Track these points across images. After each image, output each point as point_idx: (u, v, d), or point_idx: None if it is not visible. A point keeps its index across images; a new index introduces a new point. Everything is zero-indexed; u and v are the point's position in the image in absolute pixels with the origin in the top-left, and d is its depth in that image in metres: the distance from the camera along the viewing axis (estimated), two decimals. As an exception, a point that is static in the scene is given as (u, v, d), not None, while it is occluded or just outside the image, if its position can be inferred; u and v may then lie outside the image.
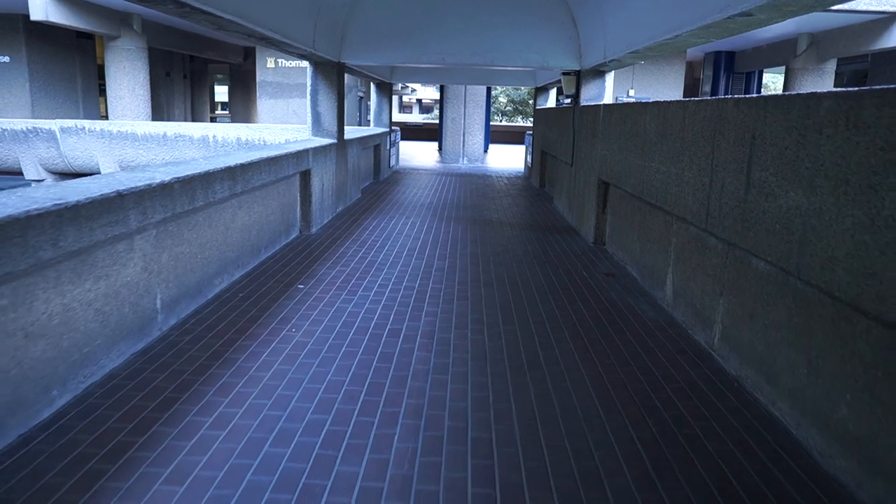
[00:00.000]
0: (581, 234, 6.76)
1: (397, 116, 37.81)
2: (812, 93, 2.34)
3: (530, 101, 33.84)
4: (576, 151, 7.29)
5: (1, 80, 16.03)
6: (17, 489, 2.04)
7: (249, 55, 21.93)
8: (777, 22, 3.28)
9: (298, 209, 6.19)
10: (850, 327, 2.16)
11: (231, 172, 4.15)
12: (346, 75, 14.22)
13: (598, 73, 7.04)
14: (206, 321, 3.64)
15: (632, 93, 16.62)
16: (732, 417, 2.69)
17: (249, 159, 4.51)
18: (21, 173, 13.78)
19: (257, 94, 17.84)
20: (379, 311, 3.97)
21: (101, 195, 2.70)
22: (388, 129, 12.63)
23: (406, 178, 12.07)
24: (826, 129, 2.26)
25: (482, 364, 3.19)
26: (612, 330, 3.76)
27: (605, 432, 2.54)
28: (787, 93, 2.58)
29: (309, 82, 7.30)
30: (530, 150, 12.97)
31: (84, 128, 13.33)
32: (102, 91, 17.29)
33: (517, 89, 36.52)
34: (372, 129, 11.81)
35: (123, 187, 2.91)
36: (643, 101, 4.89)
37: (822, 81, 15.02)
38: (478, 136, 16.25)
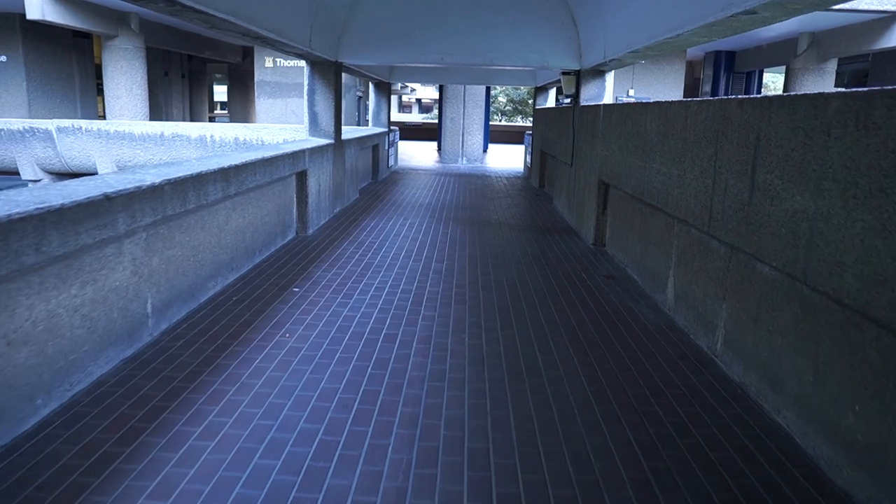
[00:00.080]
0: (581, 235, 6.68)
1: (397, 116, 37.73)
2: (820, 93, 2.27)
3: (530, 101, 33.77)
4: (576, 152, 7.21)
5: (-2, 80, 15.95)
6: (-5, 504, 1.97)
7: (248, 55, 21.84)
8: (781, 20, 3.21)
9: (295, 210, 6.11)
10: (859, 335, 2.09)
11: (224, 174, 4.07)
12: (344, 75, 14.15)
13: (598, 72, 6.97)
14: (198, 326, 3.56)
15: (632, 93, 16.54)
16: (735, 425, 2.62)
17: (243, 160, 4.43)
18: (17, 173, 13.71)
19: (255, 93, 17.75)
20: (375, 315, 3.89)
21: (88, 198, 2.62)
22: (386, 129, 12.55)
23: (405, 179, 12.00)
24: (834, 130, 2.19)
25: (480, 370, 3.12)
26: (612, 334, 3.69)
27: (605, 440, 2.47)
28: (793, 93, 2.51)
29: (306, 82, 7.22)
30: (530, 150, 12.89)
31: (81, 128, 13.24)
32: (100, 91, 17.20)
33: (517, 89, 36.44)
34: (370, 129, 11.74)
35: (111, 190, 2.84)
36: (643, 101, 4.81)
37: (822, 81, 14.95)
38: (477, 136, 16.17)
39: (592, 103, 6.74)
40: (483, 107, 16.26)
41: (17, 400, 2.35)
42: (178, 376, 2.91)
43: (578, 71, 7.09)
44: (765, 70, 18.82)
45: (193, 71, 23.04)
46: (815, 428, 2.35)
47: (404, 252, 5.62)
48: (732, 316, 3.10)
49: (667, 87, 16.62)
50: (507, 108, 39.67)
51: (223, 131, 13.25)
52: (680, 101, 3.84)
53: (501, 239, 6.40)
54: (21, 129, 13.36)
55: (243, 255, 4.70)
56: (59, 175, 13.66)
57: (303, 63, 7.18)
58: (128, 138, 13.19)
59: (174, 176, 3.42)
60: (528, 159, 13.08)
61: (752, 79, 18.52)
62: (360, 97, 19.89)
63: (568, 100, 7.67)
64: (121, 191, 2.88)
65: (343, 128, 10.09)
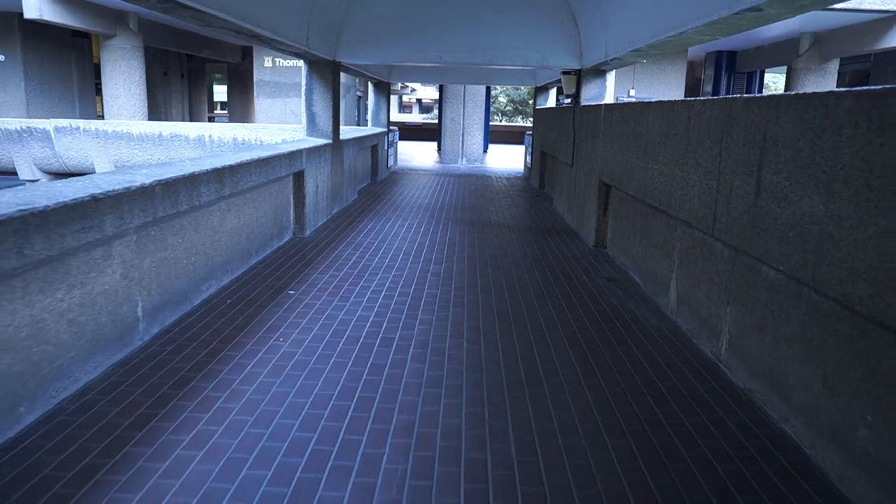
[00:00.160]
0: (581, 236, 6.60)
1: (397, 116, 37.65)
2: (830, 91, 2.19)
3: (530, 101, 33.68)
4: (576, 152, 7.13)
5: (-4, 80, 15.88)
6: (-28, 519, 1.89)
7: (248, 55, 21.76)
8: (787, 17, 3.13)
9: (292, 211, 6.04)
10: (871, 343, 2.01)
11: (218, 174, 3.99)
12: (343, 74, 14.05)
13: (599, 72, 6.89)
14: (191, 330, 3.48)
15: (632, 92, 16.46)
16: (742, 435, 2.53)
17: (238, 161, 4.35)
18: (15, 173, 13.63)
19: (255, 93, 17.68)
20: (371, 318, 3.81)
21: (74, 199, 2.54)
22: (385, 129, 12.47)
23: (404, 179, 11.92)
24: (846, 130, 2.11)
25: (478, 376, 3.03)
26: (614, 338, 3.60)
27: (608, 451, 2.39)
28: (802, 92, 2.42)
29: (303, 81, 7.15)
30: (530, 150, 12.81)
31: (79, 127, 13.17)
32: (99, 90, 17.13)
33: (517, 89, 36.37)
34: (369, 129, 11.65)
35: (99, 191, 2.76)
36: (644, 100, 4.73)
37: (824, 81, 14.86)
38: (477, 137, 16.09)
39: (593, 103, 6.66)
40: (483, 107, 16.17)
41: (-2, 408, 2.27)
42: (168, 382, 2.83)
43: (579, 70, 7.01)
44: (766, 70, 18.74)
45: (192, 71, 22.97)
46: (825, 439, 2.27)
47: (402, 254, 5.54)
48: (737, 321, 3.02)
49: (668, 88, 16.54)
50: (508, 108, 39.59)
51: (222, 131, 13.17)
52: (683, 101, 3.76)
53: (501, 240, 6.32)
54: (19, 128, 13.28)
55: (238, 257, 4.62)
56: (58, 175, 13.59)
57: (302, 63, 7.09)
58: (126, 138, 13.12)
59: (165, 177, 3.34)
60: (529, 160, 13.00)
61: (754, 79, 18.43)
62: (360, 97, 19.81)
63: (568, 100, 7.59)
64: (109, 192, 2.80)
65: (342, 128, 10.01)
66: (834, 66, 14.95)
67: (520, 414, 2.66)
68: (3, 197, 2.40)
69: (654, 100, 4.51)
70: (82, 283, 2.74)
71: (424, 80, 15.90)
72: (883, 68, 15.65)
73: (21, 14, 13.60)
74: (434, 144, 22.71)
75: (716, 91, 18.13)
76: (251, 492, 2.07)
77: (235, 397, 2.72)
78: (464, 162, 16.05)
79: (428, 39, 7.05)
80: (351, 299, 4.17)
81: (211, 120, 24.97)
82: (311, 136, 7.27)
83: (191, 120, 22.23)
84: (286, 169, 5.52)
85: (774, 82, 30.61)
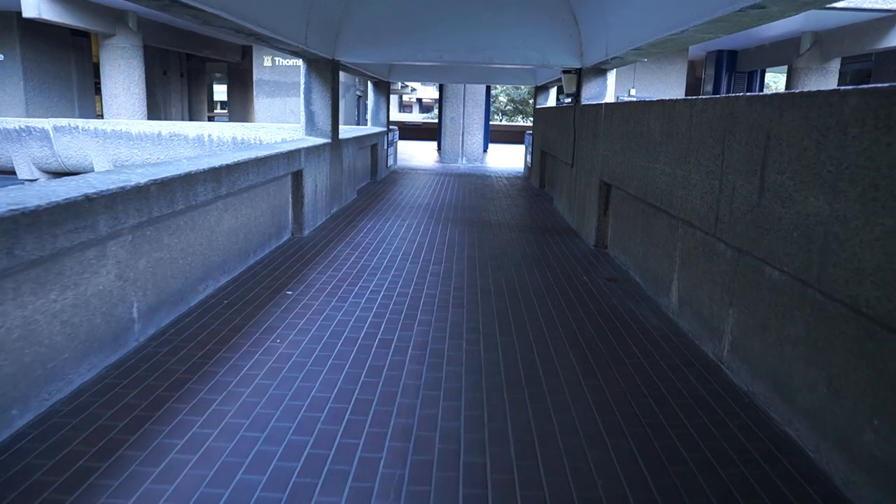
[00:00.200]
0: (582, 236, 6.57)
1: (398, 116, 37.61)
2: (835, 89, 2.15)
3: (530, 101, 33.64)
4: (576, 151, 7.09)
5: (-5, 79, 15.83)
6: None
7: (247, 54, 21.72)
8: (791, 15, 3.09)
9: (290, 211, 6.00)
10: (878, 345, 1.97)
11: (215, 174, 3.96)
12: (342, 74, 14.01)
13: (600, 71, 6.85)
14: (187, 330, 3.45)
15: (633, 92, 16.41)
16: (745, 437, 2.50)
17: (235, 160, 4.31)
18: (14, 173, 13.60)
19: (254, 93, 17.64)
20: (370, 319, 3.78)
21: (67, 199, 2.51)
22: (385, 129, 12.43)
23: (404, 179, 11.88)
24: (852, 128, 2.07)
25: (477, 378, 3.00)
26: (615, 339, 3.57)
27: (608, 454, 2.35)
28: (806, 90, 2.39)
29: (302, 80, 7.11)
30: (530, 150, 12.77)
31: (77, 127, 13.13)
32: (98, 90, 17.08)
33: (517, 88, 36.32)
34: (368, 129, 11.62)
35: (93, 190, 2.72)
36: (645, 100, 4.69)
37: (825, 81, 14.81)
38: (477, 136, 16.05)
39: (594, 102, 6.62)
40: (483, 106, 16.13)
41: (-11, 411, 2.24)
42: (163, 384, 2.80)
43: (579, 69, 6.97)
44: (767, 70, 18.68)
45: (192, 70, 22.93)
46: (830, 443, 2.23)
47: (401, 254, 5.51)
48: (739, 322, 2.98)
49: (668, 87, 16.49)
50: (508, 107, 39.54)
51: (221, 131, 13.14)
52: (685, 100, 3.72)
53: (501, 240, 6.28)
54: (17, 128, 13.25)
55: (236, 257, 4.58)
56: (57, 174, 13.55)
57: (301, 62, 7.05)
58: (125, 137, 13.08)
59: (161, 176, 3.31)
60: (529, 159, 12.96)
61: (754, 78, 18.38)
62: (360, 96, 19.77)
63: (569, 99, 7.55)
64: (103, 191, 2.76)
65: (341, 127, 9.97)
66: (835, 65, 14.90)
67: (519, 416, 2.63)
68: (-6, 196, 2.36)
69: (654, 99, 4.47)
70: (76, 284, 2.70)
71: (424, 80, 15.86)
72: (884, 68, 15.60)
73: (20, 13, 13.56)
74: (434, 144, 22.66)
75: (716, 91, 18.09)
76: (245, 498, 2.03)
77: (231, 400, 2.68)
78: (464, 161, 16.01)
79: (428, 38, 7.01)
80: (349, 300, 4.13)
81: (210, 119, 24.93)
82: (309, 135, 7.23)
83: (190, 119, 22.19)
84: (284, 168, 5.48)
85: (775, 82, 30.54)
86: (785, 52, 15.64)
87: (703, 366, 3.22)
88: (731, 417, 2.67)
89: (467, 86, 15.60)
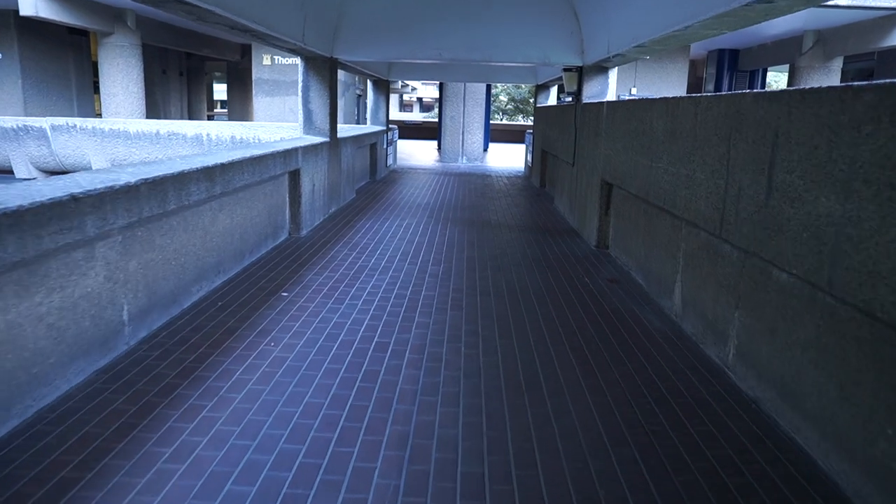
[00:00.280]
0: (583, 236, 6.48)
1: (398, 115, 37.52)
2: (848, 85, 2.06)
3: (531, 100, 33.54)
4: (578, 151, 7.01)
5: (-8, 77, 15.75)
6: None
7: (247, 53, 21.62)
8: (799, 10, 3.01)
9: (287, 211, 5.92)
10: (893, 351, 1.89)
11: (209, 173, 3.87)
12: (342, 72, 13.91)
13: (601, 69, 6.76)
14: (179, 333, 3.37)
15: (634, 91, 16.31)
16: (751, 445, 2.41)
17: (230, 159, 4.23)
18: (11, 172, 13.52)
19: (253, 91, 17.55)
20: (366, 321, 3.70)
21: (52, 199, 2.43)
22: (385, 128, 12.35)
23: (403, 178, 11.80)
24: (865, 126, 1.99)
25: (476, 382, 2.92)
26: (617, 342, 3.48)
27: (611, 462, 2.27)
28: (817, 86, 2.30)
29: (300, 78, 7.02)
30: (531, 149, 12.69)
31: (75, 126, 13.06)
32: (97, 88, 17.00)
33: (518, 87, 36.22)
34: (368, 128, 11.53)
35: (80, 190, 2.64)
36: (648, 98, 4.61)
37: (828, 80, 14.71)
38: (477, 135, 15.96)
39: (595, 101, 6.53)
40: (483, 105, 16.04)
41: (-31, 419, 2.16)
42: (153, 390, 2.72)
43: (580, 67, 6.89)
44: (768, 69, 18.58)
45: (192, 69, 22.84)
46: (841, 452, 2.15)
47: (400, 254, 5.42)
48: (745, 325, 2.90)
49: (669, 86, 16.39)
50: (509, 106, 39.43)
51: (219, 130, 13.06)
52: (689, 97, 3.63)
53: (501, 240, 6.20)
54: (15, 126, 13.17)
55: (231, 258, 4.50)
56: (55, 174, 13.47)
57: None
58: (123, 136, 13.01)
59: (152, 175, 3.23)
60: (529, 158, 12.88)
61: (756, 77, 18.29)
62: (360, 95, 19.67)
63: (570, 98, 7.47)
64: (90, 191, 2.68)
65: (340, 126, 9.89)
66: (837, 64, 14.80)
67: (519, 423, 2.55)
68: (-25, 196, 2.29)
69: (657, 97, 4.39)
70: (62, 287, 2.62)
71: (424, 78, 15.79)
72: (887, 67, 15.50)
73: (17, 11, 13.48)
74: (434, 143, 22.58)
75: (718, 90, 17.99)
76: (234, 509, 1.95)
77: (222, 406, 2.60)
78: (464, 161, 15.92)
79: (427, 36, 6.93)
80: (346, 301, 4.05)
81: (210, 118, 24.85)
82: (307, 134, 7.15)
83: (190, 118, 22.10)
84: (281, 167, 5.40)
85: (776, 81, 30.43)
86: (787, 50, 15.54)
87: (707, 370, 3.13)
88: (738, 424, 2.59)
89: (467, 85, 15.51)
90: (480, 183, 11.40)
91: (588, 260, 5.47)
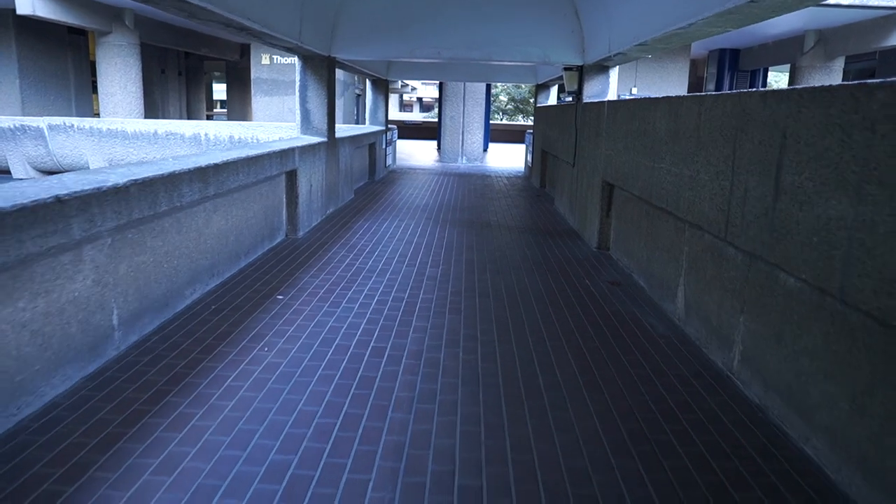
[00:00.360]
0: (584, 238, 6.40)
1: (398, 115, 37.44)
2: (862, 83, 1.98)
3: (531, 100, 33.45)
4: (578, 151, 6.93)
5: (-10, 77, 15.67)
6: None
7: (246, 52, 21.53)
8: (806, 6, 2.93)
9: (284, 211, 5.84)
10: (909, 363, 1.81)
11: (202, 173, 3.79)
12: (341, 71, 13.82)
13: (602, 68, 6.68)
14: (171, 338, 3.29)
15: (635, 91, 16.23)
16: (759, 456, 2.33)
17: (224, 159, 4.15)
18: (8, 172, 13.44)
19: (252, 91, 17.47)
20: (363, 326, 3.61)
21: (34, 201, 2.35)
22: (384, 128, 12.27)
23: (402, 178, 11.71)
24: (880, 126, 1.91)
25: (474, 390, 2.84)
26: (619, 348, 3.40)
27: (615, 476, 2.19)
28: (828, 84, 2.22)
29: (297, 78, 6.94)
30: (531, 149, 12.61)
31: (73, 125, 12.97)
32: (96, 88, 16.91)
33: (518, 87, 36.13)
34: (366, 128, 11.45)
35: (65, 191, 2.56)
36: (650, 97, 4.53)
37: (829, 80, 14.62)
38: (477, 135, 15.88)
39: (596, 100, 6.45)
40: (483, 105, 15.96)
41: (-53, 430, 2.08)
42: (142, 397, 2.64)
43: (581, 66, 6.81)
44: (769, 69, 18.50)
45: (191, 68, 22.75)
46: (853, 465, 2.07)
47: (398, 256, 5.34)
48: (751, 331, 2.82)
49: (670, 86, 16.31)
50: (509, 106, 39.34)
51: (218, 129, 12.97)
52: (693, 96, 3.55)
53: (500, 242, 6.12)
54: (11, 126, 13.09)
55: (226, 260, 4.42)
56: (52, 174, 13.38)
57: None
58: (120, 136, 12.92)
59: (142, 176, 3.14)
60: (529, 159, 12.79)
61: (757, 77, 18.21)
62: (359, 95, 19.59)
63: (570, 97, 7.39)
64: (76, 192, 2.60)
65: (338, 126, 9.81)
66: (839, 64, 14.72)
67: (518, 433, 2.46)
68: (-46, 198, 2.21)
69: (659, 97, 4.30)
70: (48, 291, 2.54)
71: (423, 77, 15.70)
72: (888, 66, 15.42)
73: (15, 10, 13.39)
74: (434, 143, 22.50)
75: (719, 89, 17.90)
76: (221, 525, 1.87)
77: (212, 414, 2.52)
78: (464, 161, 15.84)
79: (426, 34, 6.85)
80: (342, 305, 3.97)
81: (209, 118, 24.76)
82: (305, 134, 7.06)
83: (189, 118, 22.01)
84: (277, 168, 5.32)
85: (776, 80, 30.36)
86: (788, 50, 15.46)
87: (712, 377, 3.05)
88: (745, 434, 2.51)
89: (467, 84, 15.43)
90: (480, 183, 11.32)
91: (589, 262, 5.39)
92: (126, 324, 3.15)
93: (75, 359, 2.74)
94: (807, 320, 2.36)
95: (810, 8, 11.39)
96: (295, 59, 16.87)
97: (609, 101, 5.64)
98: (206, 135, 12.85)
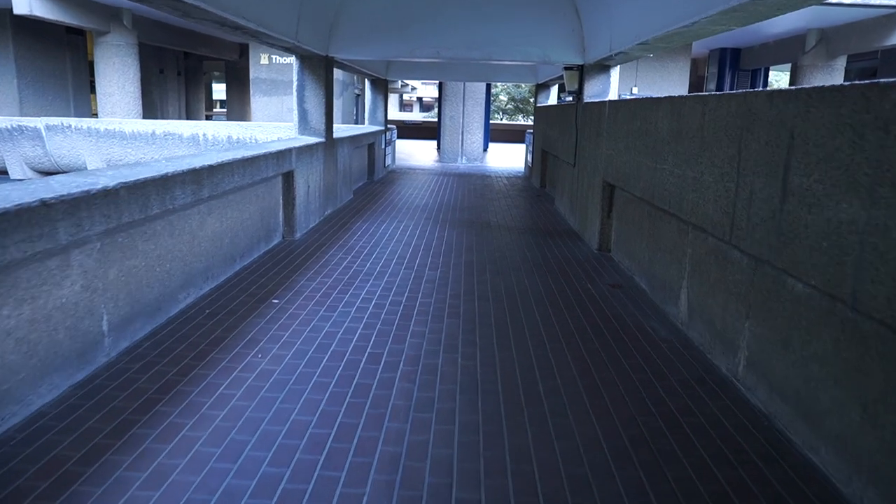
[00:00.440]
0: (584, 239, 6.33)
1: (398, 115, 37.37)
2: (874, 82, 1.91)
3: (531, 100, 33.36)
4: (579, 151, 6.86)
5: (-13, 77, 15.60)
6: None
7: (245, 52, 21.45)
8: (810, 4, 2.85)
9: (281, 213, 5.76)
10: (924, 373, 1.74)
11: (195, 175, 3.72)
12: (340, 71, 13.74)
13: (603, 67, 6.61)
14: (163, 344, 3.21)
15: (635, 90, 16.15)
16: (765, 465, 2.26)
17: (219, 160, 4.08)
18: (5, 173, 13.37)
19: (251, 91, 17.40)
20: (359, 330, 3.54)
21: (18, 205, 2.27)
22: (383, 128, 12.19)
23: (402, 179, 11.64)
24: (894, 126, 1.84)
25: (473, 398, 2.76)
26: (621, 352, 3.33)
27: (617, 487, 2.12)
28: (838, 84, 2.15)
29: (295, 78, 6.87)
30: (531, 149, 12.54)
31: (70, 126, 12.90)
32: (94, 88, 16.84)
33: (518, 86, 36.05)
34: (365, 128, 11.38)
35: (52, 195, 2.49)
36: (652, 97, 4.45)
37: (831, 79, 14.54)
38: (477, 135, 15.80)
39: (597, 100, 6.38)
40: (483, 105, 15.88)
41: (-73, 443, 2.01)
42: (130, 406, 2.57)
43: (582, 66, 6.73)
44: (770, 68, 18.42)
45: (189, 68, 22.69)
46: (864, 477, 1.99)
47: (396, 258, 5.27)
48: (757, 336, 2.75)
49: (671, 85, 16.23)
50: (509, 106, 39.26)
51: (216, 130, 12.90)
52: (696, 96, 3.48)
53: (500, 243, 6.04)
54: (9, 127, 13.02)
55: (221, 263, 4.35)
56: (49, 174, 13.30)
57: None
58: (118, 136, 12.85)
59: (133, 178, 3.07)
60: (529, 159, 12.72)
61: (758, 76, 18.13)
62: (358, 95, 19.52)
63: (570, 97, 7.31)
64: (63, 196, 2.53)
65: (337, 126, 9.74)
66: (841, 63, 14.63)
67: (518, 443, 2.39)
68: (-67, 203, 2.13)
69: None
70: (34, 298, 2.47)
71: (422, 77, 15.63)
72: (890, 65, 15.34)
73: (12, 10, 13.32)
74: (434, 143, 22.42)
75: (720, 89, 17.82)
76: (209, 543, 1.80)
77: (203, 424, 2.45)
78: (463, 161, 15.77)
79: (425, 34, 6.77)
80: (339, 309, 3.90)
81: (209, 118, 24.69)
82: (303, 134, 6.99)
83: (188, 118, 21.94)
84: (274, 169, 5.25)
85: (777, 80, 30.28)
86: (789, 49, 15.38)
87: (715, 382, 2.98)
88: (750, 442, 2.44)
89: (467, 84, 15.36)
90: (480, 183, 11.25)
91: (589, 263, 5.32)
92: (116, 329, 3.07)
93: (63, 366, 2.67)
94: (816, 326, 2.29)
95: (812, 7, 11.31)
96: (294, 59, 16.77)
97: (610, 101, 5.57)
98: (204, 135, 12.77)
